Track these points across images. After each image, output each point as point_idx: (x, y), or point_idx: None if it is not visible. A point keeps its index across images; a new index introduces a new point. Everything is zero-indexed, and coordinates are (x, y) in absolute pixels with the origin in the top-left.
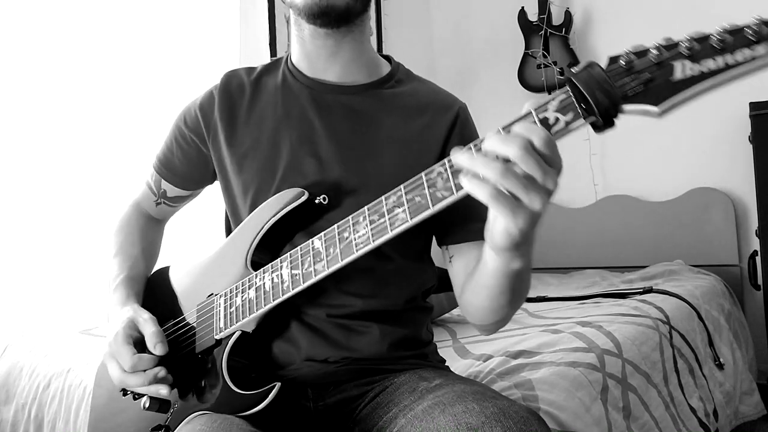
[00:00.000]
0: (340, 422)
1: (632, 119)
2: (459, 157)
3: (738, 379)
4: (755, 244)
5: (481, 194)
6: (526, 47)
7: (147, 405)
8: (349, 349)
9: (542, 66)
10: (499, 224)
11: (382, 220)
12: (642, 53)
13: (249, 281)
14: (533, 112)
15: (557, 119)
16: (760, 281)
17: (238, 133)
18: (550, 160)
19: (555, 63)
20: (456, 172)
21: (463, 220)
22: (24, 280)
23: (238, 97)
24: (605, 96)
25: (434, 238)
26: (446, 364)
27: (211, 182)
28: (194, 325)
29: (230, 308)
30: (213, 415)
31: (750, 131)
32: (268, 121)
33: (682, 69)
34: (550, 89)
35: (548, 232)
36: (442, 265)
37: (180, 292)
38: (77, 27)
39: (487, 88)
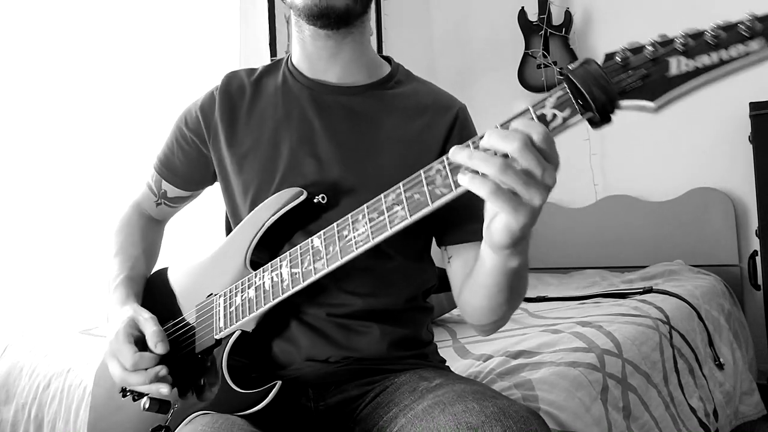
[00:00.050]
0: (340, 422)
1: (632, 119)
2: (457, 154)
3: (738, 379)
4: (755, 244)
5: (481, 191)
6: (526, 47)
7: (147, 406)
8: (349, 349)
9: (542, 66)
10: (500, 221)
11: (381, 217)
12: (638, 49)
13: (248, 280)
14: (531, 108)
15: (555, 115)
16: (760, 281)
17: (239, 133)
18: (548, 156)
19: (555, 63)
20: (455, 169)
21: (462, 221)
22: (24, 280)
23: (238, 98)
24: (602, 92)
25: (433, 238)
26: (446, 364)
27: (212, 183)
28: (194, 325)
29: (230, 308)
30: (214, 415)
31: (750, 131)
32: (268, 121)
33: (677, 65)
34: (550, 89)
35: (548, 232)
36: (441, 265)
37: (179, 292)
38: (77, 27)
39: (487, 88)
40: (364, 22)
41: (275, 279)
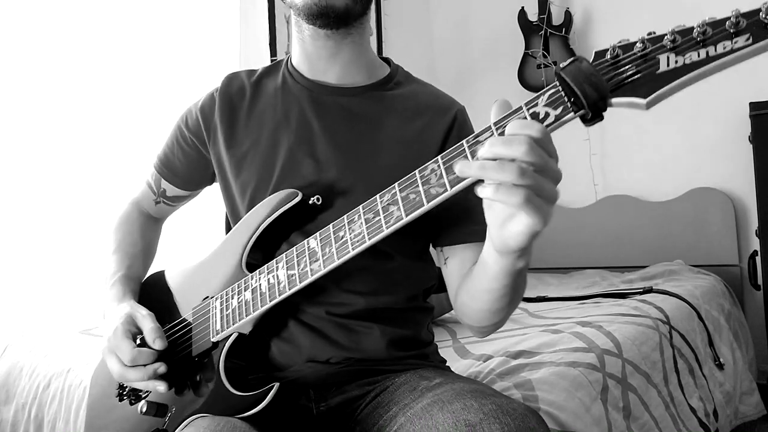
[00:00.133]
0: (341, 423)
1: (632, 119)
2: (467, 170)
3: (738, 379)
4: (755, 244)
5: (513, 200)
6: (526, 47)
7: (144, 409)
8: (350, 350)
9: (542, 66)
10: (519, 224)
11: (377, 218)
12: (628, 47)
13: (245, 283)
14: (524, 107)
15: (547, 113)
16: (760, 281)
17: (238, 135)
18: (550, 151)
19: (555, 63)
20: (449, 168)
21: (458, 222)
22: (24, 280)
23: (238, 99)
24: (593, 89)
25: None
26: (446, 364)
27: (211, 183)
28: (191, 327)
29: (226, 310)
30: (215, 417)
31: (750, 131)
32: (267, 122)
33: (666, 61)
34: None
35: (548, 232)
36: (438, 265)
37: (176, 294)
38: (78, 27)
39: (487, 88)
40: (364, 23)
41: (272, 281)
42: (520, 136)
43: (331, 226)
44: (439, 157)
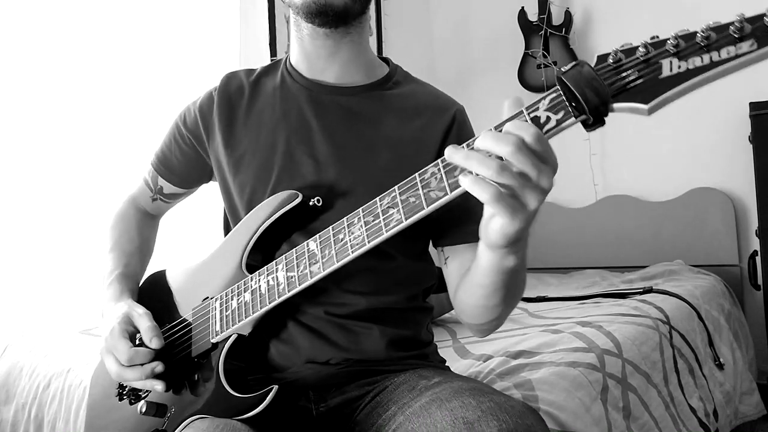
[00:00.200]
0: (341, 423)
1: (632, 120)
2: (454, 155)
3: (738, 379)
4: (755, 244)
5: (483, 195)
6: (526, 47)
7: (144, 410)
8: (349, 351)
9: (542, 66)
10: (496, 223)
11: (376, 221)
12: (630, 51)
13: (244, 284)
14: (524, 111)
15: (548, 118)
16: (760, 281)
17: (237, 134)
18: (543, 158)
19: (555, 63)
20: (449, 171)
21: (459, 222)
22: (24, 280)
23: (236, 98)
24: (595, 94)
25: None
26: (446, 364)
27: (208, 181)
28: (190, 328)
29: (226, 311)
30: (214, 420)
31: (750, 131)
32: (266, 122)
33: (669, 66)
34: (550, 89)
35: (548, 232)
36: (439, 265)
37: (176, 295)
38: (77, 27)
39: (487, 88)
40: (363, 22)
41: (271, 282)
42: (510, 136)
43: (330, 228)
44: (439, 160)
